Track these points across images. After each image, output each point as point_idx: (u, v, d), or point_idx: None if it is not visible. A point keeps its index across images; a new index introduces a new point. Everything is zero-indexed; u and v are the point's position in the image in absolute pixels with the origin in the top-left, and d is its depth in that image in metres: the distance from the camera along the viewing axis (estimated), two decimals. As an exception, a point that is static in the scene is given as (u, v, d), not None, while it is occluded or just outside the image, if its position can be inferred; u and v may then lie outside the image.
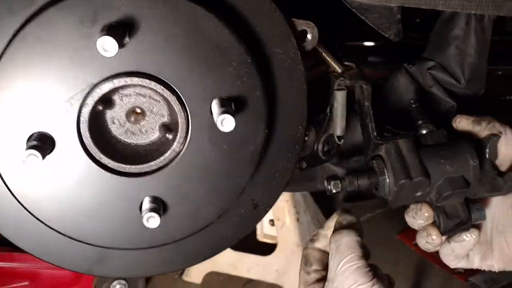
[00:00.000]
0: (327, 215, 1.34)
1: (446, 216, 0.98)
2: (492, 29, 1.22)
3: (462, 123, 1.06)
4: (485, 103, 1.25)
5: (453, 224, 0.98)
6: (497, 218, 1.04)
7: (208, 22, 0.74)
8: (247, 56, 0.75)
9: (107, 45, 0.65)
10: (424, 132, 1.02)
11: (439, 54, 1.24)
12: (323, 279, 1.00)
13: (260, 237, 2.79)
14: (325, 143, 1.09)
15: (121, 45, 0.69)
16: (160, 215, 0.78)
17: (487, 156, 1.00)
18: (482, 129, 1.03)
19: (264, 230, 2.76)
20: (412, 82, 1.26)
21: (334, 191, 0.99)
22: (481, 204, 1.01)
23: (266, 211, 0.92)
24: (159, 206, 0.79)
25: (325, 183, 1.01)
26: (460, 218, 0.98)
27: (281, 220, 2.50)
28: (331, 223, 1.05)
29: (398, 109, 1.24)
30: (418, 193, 0.97)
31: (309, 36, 0.88)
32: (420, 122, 1.04)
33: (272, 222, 2.63)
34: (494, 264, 1.05)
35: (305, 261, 1.04)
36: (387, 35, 1.02)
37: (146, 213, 0.77)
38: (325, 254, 1.05)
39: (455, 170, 0.96)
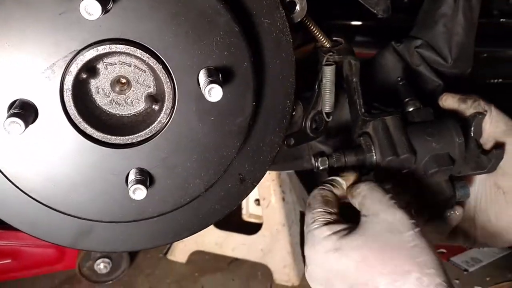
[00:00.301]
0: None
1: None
2: (479, 10, 1.22)
3: (448, 101, 1.07)
4: (470, 86, 1.25)
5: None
6: (481, 196, 1.05)
7: (194, -12, 0.72)
8: (234, 24, 0.74)
9: (91, 8, 0.63)
10: (411, 109, 1.03)
11: (427, 32, 1.23)
12: (335, 222, 0.86)
13: (245, 217, 2.80)
14: (313, 120, 1.08)
15: (105, 10, 0.67)
16: (146, 187, 0.77)
17: (472, 134, 1.01)
18: (468, 107, 1.04)
19: (249, 209, 2.77)
20: (400, 61, 1.26)
21: (321, 167, 0.99)
22: (465, 182, 1.02)
23: (254, 186, 0.91)
24: (145, 178, 0.78)
25: (312, 159, 1.01)
26: (444, 195, 0.99)
27: (266, 199, 2.50)
28: (350, 177, 0.95)
29: (385, 87, 1.24)
30: (405, 170, 0.97)
31: (297, 7, 0.87)
32: (407, 99, 1.04)
33: (257, 201, 2.64)
34: (477, 241, 1.07)
35: (325, 202, 0.89)
36: (375, 11, 1.01)
37: (132, 185, 0.76)
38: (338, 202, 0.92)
39: (441, 147, 0.97)
